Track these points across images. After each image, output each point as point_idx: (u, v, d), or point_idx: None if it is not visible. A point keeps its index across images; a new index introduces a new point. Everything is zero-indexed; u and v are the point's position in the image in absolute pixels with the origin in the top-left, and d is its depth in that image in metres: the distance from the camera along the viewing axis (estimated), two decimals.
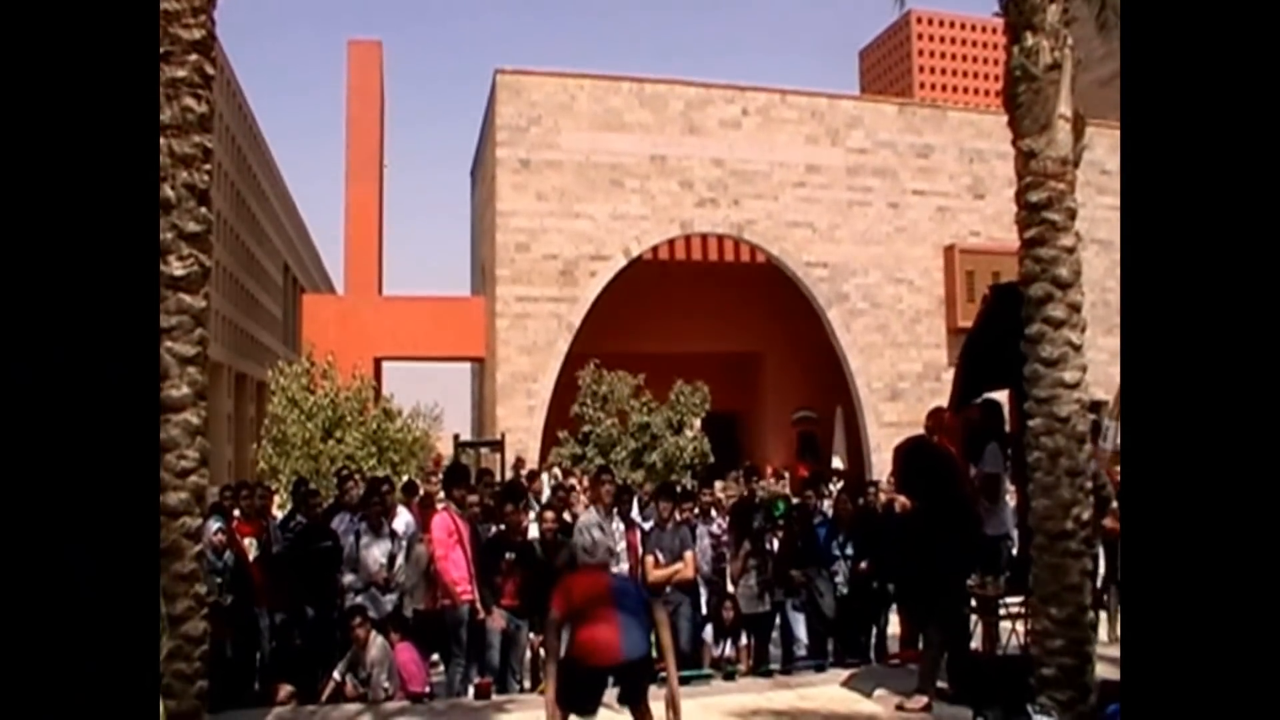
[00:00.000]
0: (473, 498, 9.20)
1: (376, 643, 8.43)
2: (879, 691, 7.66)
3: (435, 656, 9.14)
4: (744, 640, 9.73)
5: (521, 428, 25.24)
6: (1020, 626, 8.31)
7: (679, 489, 11.28)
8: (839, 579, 9.70)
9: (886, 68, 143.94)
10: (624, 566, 9.09)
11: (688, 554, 9.37)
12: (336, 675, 8.34)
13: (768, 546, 9.79)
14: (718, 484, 11.82)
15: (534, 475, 12.26)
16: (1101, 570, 8.94)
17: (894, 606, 9.85)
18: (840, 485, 11.95)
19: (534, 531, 9.88)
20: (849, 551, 9.77)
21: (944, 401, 8.84)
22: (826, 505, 10.98)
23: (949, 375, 28.87)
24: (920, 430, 8.72)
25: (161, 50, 5.10)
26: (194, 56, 5.25)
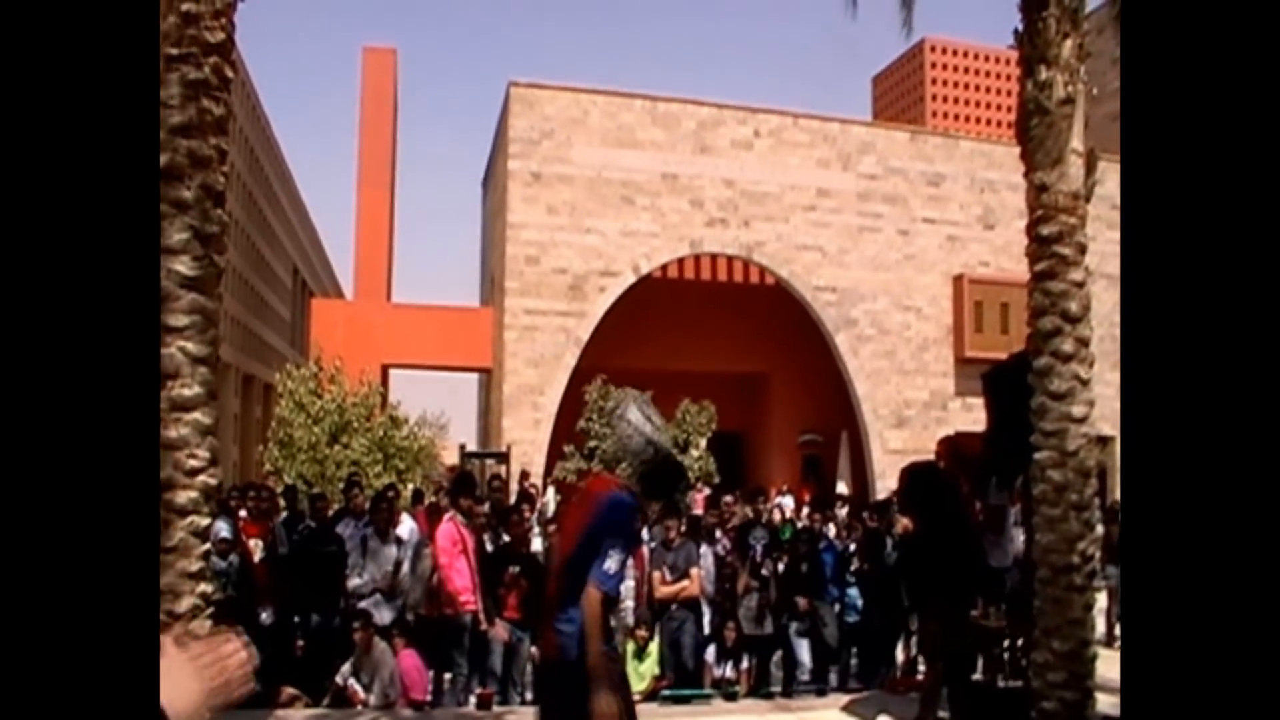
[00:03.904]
0: (481, 508, 9.24)
1: (379, 648, 8.46)
2: (880, 718, 7.67)
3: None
4: (745, 662, 9.75)
5: (527, 440, 25.25)
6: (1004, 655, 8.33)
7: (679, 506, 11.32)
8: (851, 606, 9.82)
9: (899, 94, 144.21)
10: (629, 583, 9.08)
11: (693, 570, 9.42)
12: (339, 679, 8.37)
13: (765, 571, 9.81)
14: (726, 498, 11.85)
15: (528, 495, 12.45)
16: (1102, 604, 8.97)
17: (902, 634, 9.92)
18: (845, 509, 11.95)
19: (538, 545, 9.93)
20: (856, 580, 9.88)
21: (950, 431, 8.86)
22: (830, 529, 11.04)
23: (955, 404, 28.96)
24: (927, 457, 8.75)
25: (181, 52, 5.15)
26: (213, 59, 5.29)
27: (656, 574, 9.32)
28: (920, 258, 29.22)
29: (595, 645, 4.10)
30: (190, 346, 5.16)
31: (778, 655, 9.97)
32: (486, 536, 9.25)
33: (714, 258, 28.89)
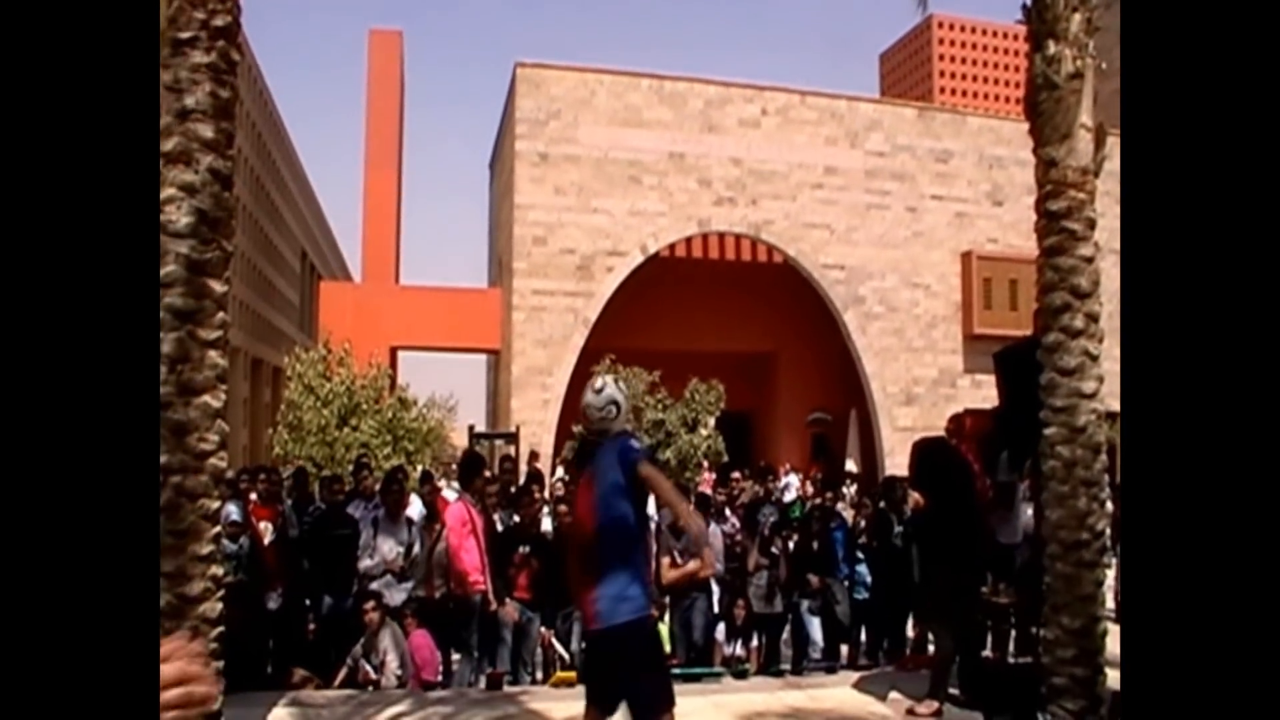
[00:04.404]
0: (492, 487, 9.27)
1: (390, 629, 8.50)
2: (891, 695, 7.69)
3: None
4: (755, 640, 9.77)
5: (536, 421, 25.29)
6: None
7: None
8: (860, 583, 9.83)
9: (907, 71, 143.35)
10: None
11: (705, 550, 9.42)
12: (350, 660, 8.41)
13: (775, 549, 9.82)
14: (735, 474, 11.88)
15: (537, 475, 12.60)
16: (1112, 580, 8.97)
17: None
18: (854, 487, 11.98)
19: (547, 524, 9.95)
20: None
21: (959, 408, 8.85)
22: (841, 507, 11.05)
23: (964, 381, 28.94)
24: (937, 434, 8.74)
25: (188, 36, 5.13)
26: (220, 43, 5.26)
27: (665, 559, 9.32)
28: (928, 235, 29.14)
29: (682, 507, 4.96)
30: (199, 331, 5.16)
31: (787, 633, 10.00)
32: (497, 517, 9.28)
33: (722, 237, 28.86)
